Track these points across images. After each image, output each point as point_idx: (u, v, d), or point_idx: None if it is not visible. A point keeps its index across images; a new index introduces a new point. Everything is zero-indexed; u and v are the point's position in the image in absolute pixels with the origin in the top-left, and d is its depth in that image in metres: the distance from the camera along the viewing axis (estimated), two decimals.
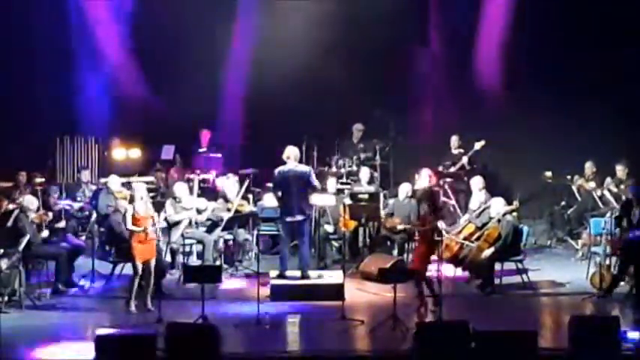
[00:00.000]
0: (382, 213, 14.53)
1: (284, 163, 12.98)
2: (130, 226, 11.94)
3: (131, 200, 12.32)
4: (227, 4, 17.11)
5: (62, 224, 13.44)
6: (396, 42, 17.09)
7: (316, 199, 13.38)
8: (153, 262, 12.02)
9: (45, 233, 12.74)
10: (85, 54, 17.12)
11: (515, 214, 13.58)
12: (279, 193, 12.97)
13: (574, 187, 15.66)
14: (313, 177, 13.03)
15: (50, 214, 12.96)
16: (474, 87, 17.55)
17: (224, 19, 16.88)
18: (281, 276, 12.91)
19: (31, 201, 12.69)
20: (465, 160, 16.37)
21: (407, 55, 17.49)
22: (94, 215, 14.14)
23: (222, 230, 13.95)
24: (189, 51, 16.99)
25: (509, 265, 13.34)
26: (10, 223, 12.35)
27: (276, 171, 13.00)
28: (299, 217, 12.81)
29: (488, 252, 13.07)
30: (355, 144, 16.87)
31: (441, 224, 12.51)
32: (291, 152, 13.00)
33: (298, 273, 12.92)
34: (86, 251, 13.56)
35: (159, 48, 17.06)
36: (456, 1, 17.74)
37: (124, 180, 14.74)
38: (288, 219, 12.85)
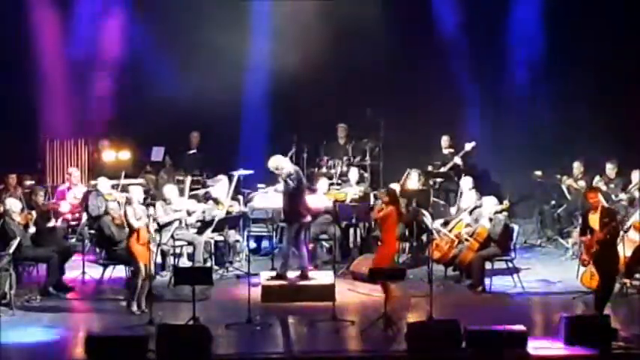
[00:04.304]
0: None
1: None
2: (134, 222, 11.95)
3: (128, 202, 12.33)
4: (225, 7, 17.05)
5: (52, 223, 13.42)
6: None
7: (310, 201, 13.39)
8: (149, 264, 12.03)
9: (32, 229, 12.72)
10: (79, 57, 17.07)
11: (505, 213, 13.62)
12: None
13: (563, 187, 15.69)
14: (284, 184, 12.90)
15: (34, 212, 12.94)
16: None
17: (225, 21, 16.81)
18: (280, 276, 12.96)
19: (13, 203, 12.68)
20: (458, 160, 16.31)
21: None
22: (84, 217, 14.11)
23: (213, 231, 13.94)
24: (185, 52, 16.99)
25: (500, 265, 13.37)
26: None
27: None
28: (281, 219, 12.91)
29: (478, 251, 13.10)
30: (342, 145, 16.84)
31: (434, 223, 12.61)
32: (270, 164, 12.92)
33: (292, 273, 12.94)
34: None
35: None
36: None
37: (114, 182, 14.70)
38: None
